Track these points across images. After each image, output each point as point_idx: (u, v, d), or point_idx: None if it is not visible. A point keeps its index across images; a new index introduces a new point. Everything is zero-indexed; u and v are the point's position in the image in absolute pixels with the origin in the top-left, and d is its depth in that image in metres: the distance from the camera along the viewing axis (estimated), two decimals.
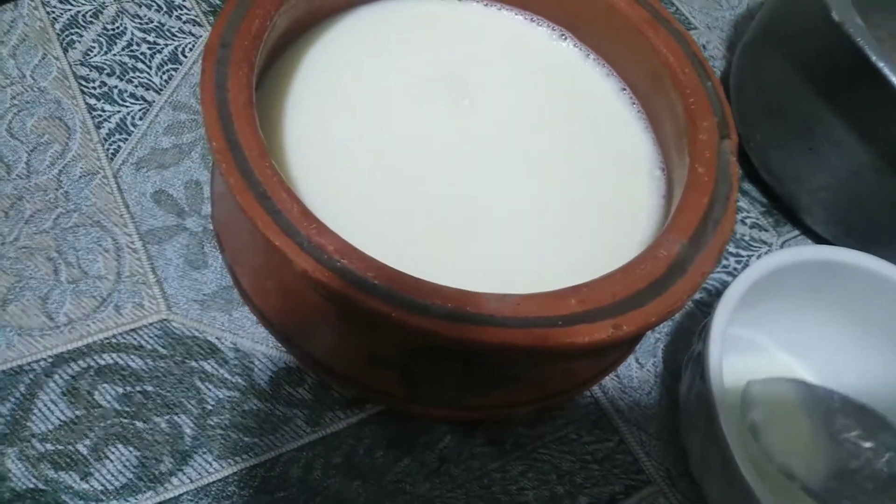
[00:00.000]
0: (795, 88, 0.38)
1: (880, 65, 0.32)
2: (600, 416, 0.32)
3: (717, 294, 0.37)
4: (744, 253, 0.40)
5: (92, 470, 0.28)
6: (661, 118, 0.31)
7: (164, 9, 0.42)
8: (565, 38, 0.35)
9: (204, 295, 0.32)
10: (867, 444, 0.28)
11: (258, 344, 0.31)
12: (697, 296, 0.37)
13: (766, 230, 0.41)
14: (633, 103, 0.33)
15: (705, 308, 0.37)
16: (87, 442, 0.28)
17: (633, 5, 0.31)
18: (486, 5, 0.35)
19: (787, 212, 0.41)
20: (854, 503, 0.26)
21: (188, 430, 0.29)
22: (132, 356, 0.30)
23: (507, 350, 0.21)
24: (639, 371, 0.34)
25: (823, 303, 0.32)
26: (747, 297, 0.29)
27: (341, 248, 0.21)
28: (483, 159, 0.30)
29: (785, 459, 0.28)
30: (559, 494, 0.30)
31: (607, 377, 0.33)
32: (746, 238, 0.40)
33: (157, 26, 0.41)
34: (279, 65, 0.30)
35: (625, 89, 0.34)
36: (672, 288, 0.23)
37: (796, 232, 0.41)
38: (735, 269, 0.39)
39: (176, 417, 0.29)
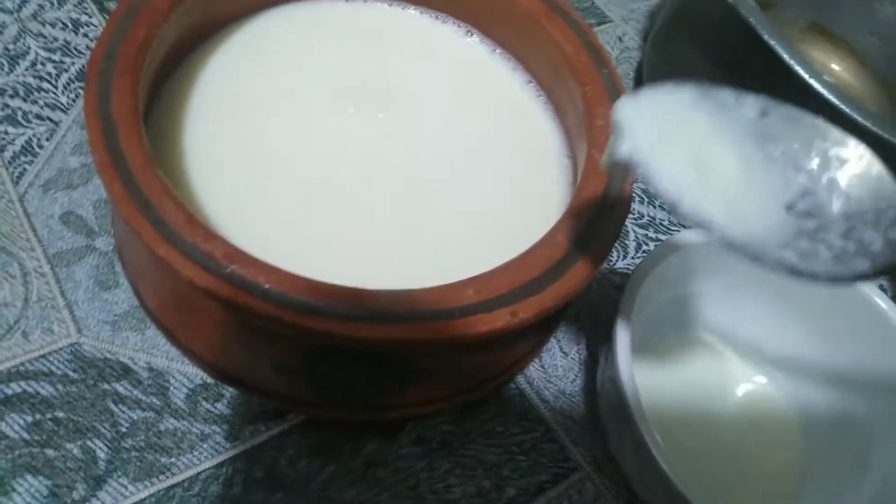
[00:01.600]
0: (702, 74, 0.39)
1: (772, 43, 0.33)
2: (526, 407, 0.33)
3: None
4: (663, 237, 0.41)
5: None
6: (564, 108, 0.32)
7: (70, 26, 0.41)
8: (471, 34, 0.35)
9: (115, 315, 0.31)
10: (799, 164, 0.20)
11: (173, 361, 0.30)
12: (618, 281, 0.38)
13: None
14: (540, 95, 0.33)
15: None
16: None
17: None
18: (391, 5, 0.35)
19: None
20: (796, 252, 0.19)
21: (102, 455, 0.28)
22: (41, 383, 0.29)
23: (404, 346, 0.21)
24: (563, 359, 0.34)
25: (739, 278, 0.32)
26: (660, 278, 0.29)
27: (230, 254, 0.21)
28: (392, 158, 0.30)
29: (689, 199, 0.19)
30: (486, 489, 0.30)
31: (531, 367, 0.34)
32: (665, 223, 0.41)
33: (62, 45, 0.40)
34: (179, 73, 0.30)
35: (531, 82, 0.34)
36: (569, 272, 0.23)
37: None
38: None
39: (89, 442, 0.28)
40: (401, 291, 0.22)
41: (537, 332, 0.29)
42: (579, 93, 0.29)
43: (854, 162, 0.20)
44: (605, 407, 0.29)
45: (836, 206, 0.20)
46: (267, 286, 0.21)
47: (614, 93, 0.29)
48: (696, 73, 0.39)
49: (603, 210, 0.25)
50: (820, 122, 0.21)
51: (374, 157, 0.30)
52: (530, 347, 0.29)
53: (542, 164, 0.32)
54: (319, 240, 0.26)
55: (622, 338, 0.26)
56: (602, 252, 0.24)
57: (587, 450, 0.32)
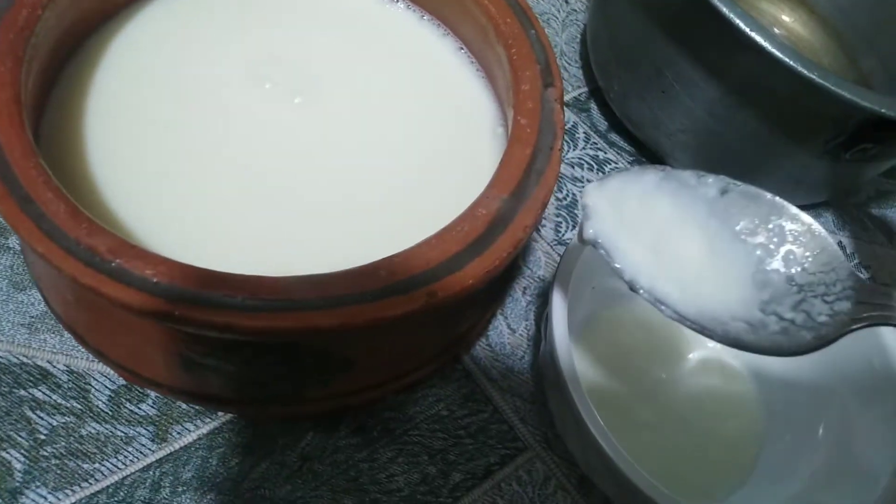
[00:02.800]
0: (643, 33, 0.37)
1: (715, 2, 0.31)
2: (472, 388, 0.31)
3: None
4: None
5: None
6: (494, 73, 0.30)
7: None
8: (397, 1, 0.33)
9: (31, 317, 0.29)
10: (757, 239, 0.21)
11: (93, 363, 0.29)
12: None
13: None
14: (472, 62, 0.32)
15: None
16: None
17: None
18: None
19: (653, 158, 0.41)
20: (750, 327, 0.20)
21: (18, 465, 0.27)
22: None
23: (312, 335, 0.20)
24: (510, 336, 0.33)
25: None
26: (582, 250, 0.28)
27: (115, 248, 0.19)
28: (315, 134, 0.29)
29: (645, 280, 0.21)
30: (431, 475, 0.29)
31: (478, 346, 0.32)
32: None
33: None
34: (78, 59, 0.28)
35: (462, 48, 0.32)
36: (492, 247, 0.22)
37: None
38: None
39: (4, 453, 0.27)
40: (305, 276, 0.20)
41: (472, 308, 0.28)
42: (506, 56, 0.28)
43: (807, 237, 0.21)
44: (547, 385, 0.28)
45: (790, 277, 0.21)
46: (155, 280, 0.19)
47: (542, 55, 0.27)
48: (638, 34, 0.37)
49: (528, 179, 0.24)
50: (777, 200, 0.22)
51: (295, 135, 0.28)
52: (467, 327, 0.28)
53: (476, 132, 0.30)
54: (236, 227, 0.25)
55: (558, 310, 0.25)
56: (529, 222, 0.23)
57: (537, 428, 0.31)
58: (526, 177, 0.24)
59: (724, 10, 0.31)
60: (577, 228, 0.23)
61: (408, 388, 0.30)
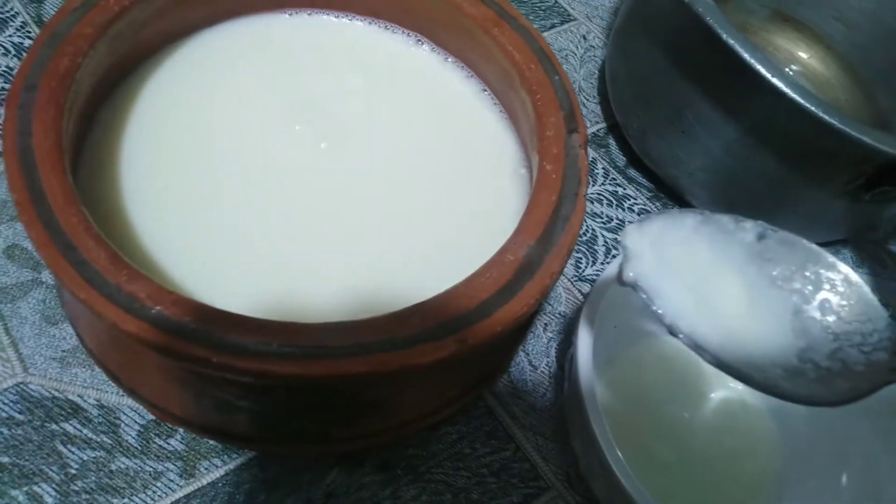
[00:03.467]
0: (662, 72, 0.38)
1: (731, 42, 0.32)
2: (495, 426, 0.32)
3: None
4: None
5: None
6: (518, 117, 0.31)
7: (13, 52, 0.39)
8: (422, 44, 0.34)
9: (63, 351, 0.30)
10: (793, 286, 0.22)
11: (123, 397, 0.29)
12: (588, 288, 0.37)
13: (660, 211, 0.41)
14: (495, 104, 0.32)
15: None
16: None
17: (478, 5, 0.30)
18: (337, 17, 0.34)
19: (672, 195, 0.41)
20: (787, 374, 0.20)
21: (50, 500, 0.27)
22: None
23: (345, 381, 0.20)
24: (532, 373, 0.33)
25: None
26: (611, 290, 0.28)
27: (154, 294, 0.20)
28: (343, 176, 0.29)
29: (686, 324, 0.21)
30: None
31: (500, 382, 0.33)
32: None
33: (4, 70, 0.39)
34: (113, 101, 0.29)
35: (485, 90, 0.33)
36: (520, 293, 0.22)
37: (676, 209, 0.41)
38: None
39: (35, 487, 0.27)
40: (340, 323, 0.21)
41: (497, 351, 0.28)
42: (530, 102, 0.28)
43: (844, 285, 0.21)
44: (570, 424, 0.28)
45: (826, 326, 0.21)
46: (194, 326, 0.20)
47: (566, 101, 0.28)
48: (657, 73, 0.38)
49: (555, 225, 0.24)
50: (813, 247, 0.22)
51: (324, 176, 0.29)
52: (492, 367, 0.28)
53: (499, 175, 0.31)
54: (268, 269, 0.25)
55: (584, 351, 0.25)
56: (555, 268, 0.23)
57: (559, 467, 0.31)
58: (552, 223, 0.24)
59: (743, 53, 0.32)
60: (617, 268, 0.23)
61: (432, 426, 0.30)
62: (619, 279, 0.22)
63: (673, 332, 0.21)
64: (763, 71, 0.31)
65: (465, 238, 0.28)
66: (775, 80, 0.30)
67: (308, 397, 0.23)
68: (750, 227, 0.22)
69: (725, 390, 0.33)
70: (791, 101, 0.30)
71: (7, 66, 0.39)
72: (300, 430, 0.24)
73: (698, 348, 0.21)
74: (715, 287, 0.22)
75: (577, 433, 0.27)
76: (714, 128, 0.36)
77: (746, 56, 0.31)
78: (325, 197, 0.28)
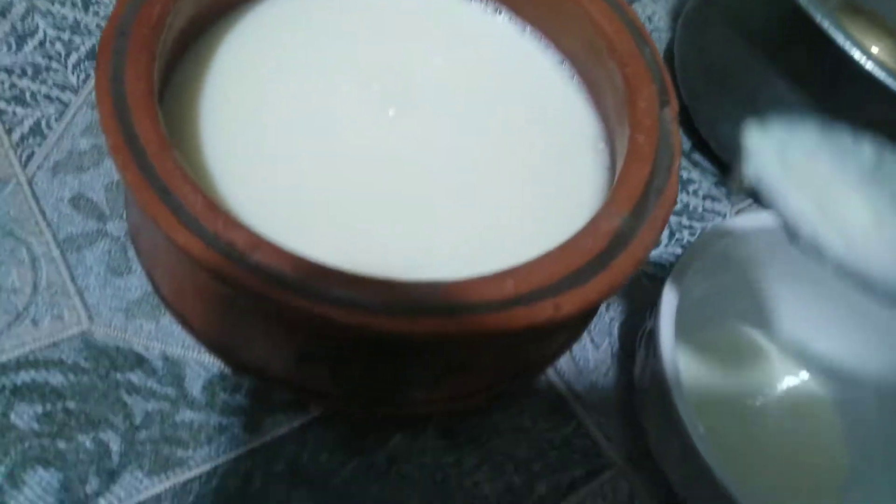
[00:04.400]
0: (738, 55, 0.37)
1: (825, 24, 0.31)
2: (556, 401, 0.31)
3: (671, 268, 0.36)
4: (697, 225, 0.39)
5: (8, 498, 0.26)
6: (601, 90, 0.30)
7: (79, 5, 0.39)
8: (500, 13, 0.33)
9: (128, 302, 0.30)
10: None
11: (189, 350, 0.29)
12: (650, 271, 0.36)
13: (719, 200, 0.40)
14: (573, 76, 0.32)
15: (659, 284, 0.36)
16: (2, 468, 0.26)
17: None
18: None
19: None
20: None
21: (115, 447, 0.27)
22: (52, 372, 0.28)
23: (439, 340, 0.20)
24: (594, 352, 0.33)
25: (783, 270, 0.31)
26: (702, 269, 0.28)
27: (253, 242, 0.20)
28: (419, 143, 0.29)
29: (808, 228, 0.20)
30: (516, 485, 0.29)
31: (562, 359, 0.32)
32: (699, 209, 0.39)
33: (72, 24, 0.38)
34: (194, 52, 0.28)
35: (563, 62, 0.32)
36: (613, 263, 0.22)
37: (749, 201, 0.41)
38: (689, 241, 0.38)
39: (101, 434, 0.27)
40: (436, 282, 0.20)
41: (577, 323, 0.28)
42: (620, 74, 0.27)
43: None
44: (644, 402, 0.28)
45: None
46: (293, 276, 0.19)
47: (658, 74, 0.27)
48: (734, 56, 0.37)
49: (648, 198, 0.24)
50: None
51: (400, 143, 0.28)
52: (567, 339, 0.27)
53: (577, 148, 0.30)
54: (341, 229, 0.25)
55: (666, 331, 0.25)
56: (649, 241, 0.23)
57: (621, 445, 0.31)
58: (645, 195, 0.24)
59: (838, 37, 0.31)
60: (732, 174, 0.23)
61: (498, 396, 0.30)
62: (734, 184, 0.21)
63: (793, 234, 0.20)
64: (858, 58, 0.30)
65: (544, 208, 0.28)
66: (874, 69, 0.29)
67: (393, 357, 0.22)
68: (868, 147, 0.22)
69: (793, 378, 0.32)
70: (886, 88, 0.29)
71: (75, 19, 0.38)
72: (378, 390, 0.24)
73: (820, 253, 0.20)
74: (837, 198, 0.21)
75: (653, 414, 0.27)
76: (793, 114, 0.35)
77: (841, 40, 0.30)
78: (402, 161, 0.28)
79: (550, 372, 0.32)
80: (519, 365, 0.26)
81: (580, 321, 0.28)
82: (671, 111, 0.26)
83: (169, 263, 0.24)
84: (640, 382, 0.29)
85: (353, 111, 0.28)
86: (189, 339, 0.29)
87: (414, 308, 0.20)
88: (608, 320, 0.34)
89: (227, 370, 0.29)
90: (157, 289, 0.25)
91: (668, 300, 0.26)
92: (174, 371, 0.29)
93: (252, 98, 0.28)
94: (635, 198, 0.23)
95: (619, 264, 0.22)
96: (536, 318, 0.20)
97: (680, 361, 0.25)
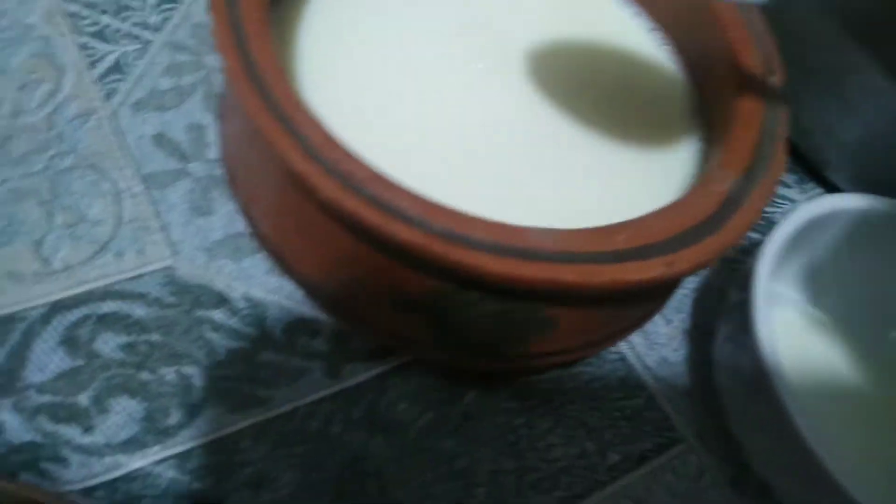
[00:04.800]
0: (826, 35, 0.36)
1: None
2: (628, 372, 0.31)
3: (743, 250, 0.36)
4: (767, 210, 0.38)
5: (94, 423, 0.26)
6: (696, 57, 0.30)
7: None
8: None
9: (211, 242, 0.30)
10: None
11: (270, 293, 0.29)
12: None
13: (790, 187, 0.40)
14: (665, 43, 0.31)
15: (733, 262, 0.35)
16: (88, 393, 0.26)
17: None
18: None
19: (809, 169, 0.40)
20: None
21: (198, 382, 0.27)
22: (136, 304, 0.28)
23: (553, 287, 0.20)
24: (666, 327, 0.33)
25: (865, 255, 0.30)
26: (785, 247, 0.27)
27: (371, 176, 0.20)
28: (505, 98, 0.29)
29: None
30: (589, 451, 0.29)
31: (634, 333, 0.32)
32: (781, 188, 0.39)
33: None
34: None
35: (655, 29, 0.32)
36: (726, 225, 0.22)
37: (820, 189, 0.40)
38: (759, 225, 0.38)
39: (184, 368, 0.27)
40: (551, 229, 0.20)
41: (665, 290, 0.27)
42: (722, 40, 0.27)
43: None
44: (727, 379, 0.28)
45: None
46: (411, 212, 0.19)
47: (762, 42, 0.27)
48: (817, 35, 0.36)
49: (757, 163, 0.23)
50: None
51: (495, 99, 0.28)
52: (653, 308, 0.27)
53: (667, 115, 0.30)
54: (441, 176, 0.25)
55: (761, 307, 0.25)
56: (759, 205, 0.22)
57: (691, 421, 0.30)
58: (755, 160, 0.23)
59: None
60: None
61: (571, 362, 0.29)
62: None
63: None
64: None
65: (633, 172, 0.27)
66: None
67: (492, 304, 0.22)
68: None
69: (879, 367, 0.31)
70: None
71: None
72: (475, 343, 0.24)
73: None
74: None
75: (737, 389, 0.27)
76: (884, 99, 0.34)
77: None
78: (497, 117, 0.28)
79: (622, 344, 0.32)
80: (605, 329, 0.26)
81: (666, 290, 0.28)
82: (777, 79, 0.26)
83: (274, 197, 0.24)
84: (721, 357, 0.28)
85: (451, 64, 0.28)
86: (270, 283, 0.29)
87: (527, 252, 0.20)
88: (680, 297, 0.34)
89: (307, 315, 0.29)
90: (253, 225, 0.25)
91: (763, 271, 0.25)
92: (256, 312, 0.29)
93: (350, 37, 0.27)
94: (745, 162, 0.23)
95: (731, 226, 0.22)
96: (649, 273, 0.20)
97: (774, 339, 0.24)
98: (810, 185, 0.40)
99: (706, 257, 0.21)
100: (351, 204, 0.19)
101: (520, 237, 0.20)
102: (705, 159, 0.27)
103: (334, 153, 0.20)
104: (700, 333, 0.32)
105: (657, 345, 0.32)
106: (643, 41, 0.32)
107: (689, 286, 0.34)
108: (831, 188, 0.40)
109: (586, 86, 0.30)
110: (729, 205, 0.22)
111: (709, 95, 0.29)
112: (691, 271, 0.21)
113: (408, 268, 0.21)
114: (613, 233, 0.21)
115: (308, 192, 0.20)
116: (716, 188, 0.22)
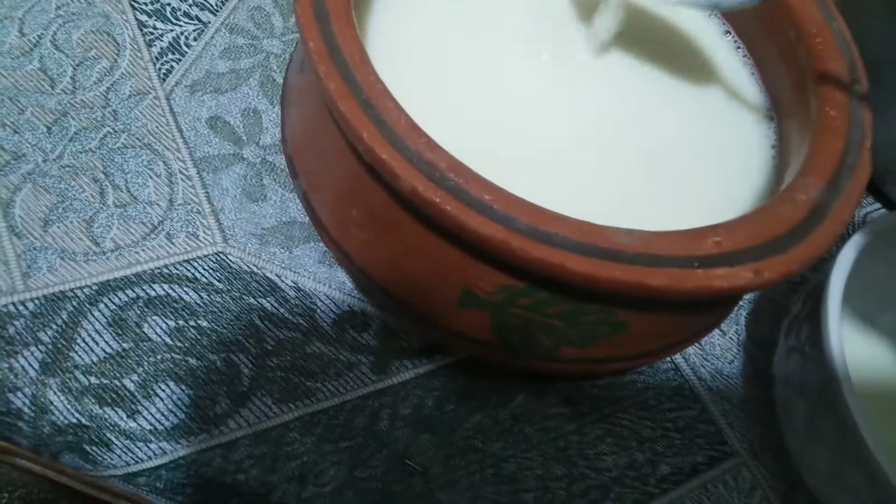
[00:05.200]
0: (892, 44, 0.35)
1: None
2: (681, 383, 0.30)
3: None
4: None
5: (140, 407, 0.26)
6: (771, 61, 0.29)
7: None
8: None
9: (263, 229, 0.30)
10: None
11: (320, 284, 0.29)
12: None
13: None
14: (738, 47, 0.30)
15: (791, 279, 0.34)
16: (135, 377, 0.26)
17: None
18: None
19: (869, 184, 0.39)
20: None
21: (246, 371, 0.27)
22: (185, 288, 0.28)
23: (637, 291, 0.19)
24: (721, 339, 0.32)
25: None
26: (857, 260, 0.27)
27: (455, 166, 0.19)
28: (591, 97, 0.28)
29: None
30: (640, 462, 0.28)
31: None
32: None
33: None
34: None
35: (728, 32, 0.31)
36: (813, 234, 0.21)
37: (878, 205, 0.39)
38: None
39: (233, 356, 0.27)
40: (636, 230, 0.19)
41: (734, 300, 0.27)
42: (805, 45, 0.26)
43: None
44: (788, 392, 0.27)
45: None
46: (495, 206, 0.19)
47: (846, 49, 0.26)
48: (889, 41, 0.35)
49: (842, 172, 0.22)
50: None
51: (572, 94, 0.28)
52: (717, 318, 0.26)
53: (740, 121, 0.29)
54: (510, 172, 0.24)
55: (834, 324, 0.24)
56: (845, 215, 0.21)
57: (744, 436, 0.29)
58: (840, 169, 0.22)
59: None
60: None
61: (624, 370, 0.29)
62: None
63: None
64: None
65: (705, 177, 0.27)
66: None
67: (565, 305, 0.21)
68: None
69: None
70: None
71: None
72: (535, 344, 0.23)
73: None
74: None
75: (798, 403, 0.26)
76: None
77: None
78: (570, 114, 0.27)
79: (676, 355, 0.31)
80: (671, 338, 0.25)
81: (734, 300, 0.27)
82: (861, 87, 0.25)
83: (340, 185, 0.23)
84: (783, 371, 0.27)
85: (524, 60, 0.27)
86: (321, 274, 0.29)
87: (612, 253, 0.19)
88: (736, 309, 0.33)
89: (356, 308, 0.28)
90: (312, 213, 0.25)
91: (836, 285, 0.25)
92: (306, 302, 0.28)
93: (424, 22, 0.27)
94: (830, 170, 0.22)
95: (818, 236, 0.21)
96: (737, 280, 0.19)
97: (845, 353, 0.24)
98: (868, 199, 0.39)
99: (793, 267, 0.20)
100: (433, 195, 0.18)
101: (605, 237, 0.19)
102: (779, 166, 0.26)
103: (418, 142, 0.19)
104: (755, 346, 0.32)
105: (711, 356, 0.31)
106: (716, 44, 0.31)
107: (745, 299, 0.33)
108: (887, 202, 0.39)
109: (659, 90, 0.29)
110: (815, 214, 0.21)
111: (783, 101, 0.28)
112: (778, 280, 0.20)
113: (482, 263, 0.21)
114: (701, 236, 0.20)
115: (388, 182, 0.19)
116: (802, 197, 0.21)
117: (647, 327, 0.23)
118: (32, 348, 0.26)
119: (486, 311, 0.22)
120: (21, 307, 0.26)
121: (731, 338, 0.32)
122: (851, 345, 0.29)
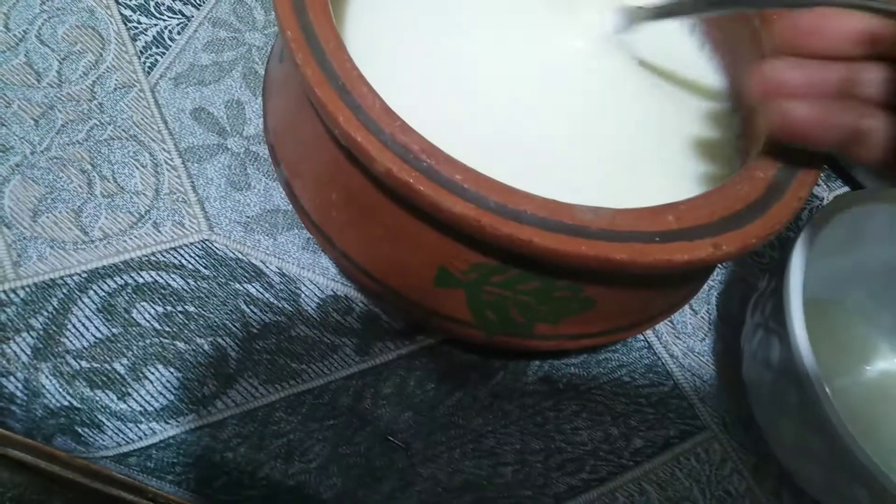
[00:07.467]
0: None
1: None
2: (654, 360, 0.31)
3: (772, 246, 0.36)
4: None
5: (130, 390, 0.26)
6: (737, 54, 0.30)
7: None
8: None
9: (247, 217, 0.30)
10: None
11: (304, 269, 0.30)
12: None
13: (817, 184, 0.40)
14: (704, 43, 0.32)
15: (760, 259, 0.36)
16: (125, 361, 0.27)
17: None
18: None
19: (836, 167, 0.40)
20: None
21: (232, 354, 0.27)
22: (172, 275, 0.29)
23: (601, 265, 0.20)
24: (692, 318, 0.33)
25: (888, 247, 0.30)
26: (826, 239, 0.28)
27: (427, 149, 0.20)
28: (557, 88, 0.29)
29: None
30: (614, 436, 0.29)
31: (661, 322, 0.32)
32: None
33: None
34: None
35: (694, 27, 0.32)
36: (770, 210, 0.22)
37: (846, 188, 0.40)
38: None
39: (219, 340, 0.28)
40: (600, 208, 0.20)
41: (702, 276, 0.28)
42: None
43: None
44: (755, 366, 0.28)
45: None
46: (465, 185, 0.20)
47: None
48: None
49: (800, 153, 0.23)
50: None
51: (537, 82, 0.28)
52: (686, 294, 0.27)
53: (704, 108, 0.30)
54: (486, 151, 0.25)
55: (796, 299, 0.25)
56: (802, 193, 0.22)
57: (715, 410, 0.31)
58: (798, 152, 0.23)
59: None
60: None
61: (597, 347, 0.30)
62: None
63: None
64: None
65: (668, 163, 0.28)
66: None
67: (535, 281, 0.22)
68: None
69: (886, 363, 0.32)
70: None
71: None
72: (509, 321, 0.24)
73: None
74: None
75: (766, 374, 0.27)
76: None
77: None
78: (538, 100, 0.28)
79: (649, 333, 0.32)
80: (640, 314, 0.26)
81: (704, 276, 0.28)
82: None
83: (320, 170, 0.24)
84: (749, 346, 0.29)
85: (484, 37, 0.28)
86: (304, 259, 0.30)
87: (577, 229, 0.20)
88: (707, 288, 0.34)
89: (339, 292, 0.29)
90: (294, 199, 0.26)
91: (798, 259, 0.26)
92: (290, 287, 0.29)
93: (399, 9, 0.28)
94: (788, 152, 0.23)
95: (775, 212, 0.22)
96: (696, 253, 0.20)
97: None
98: (837, 182, 0.40)
99: (752, 241, 0.21)
100: (407, 176, 0.19)
101: (571, 214, 0.20)
102: (744, 151, 0.27)
103: (392, 125, 0.20)
104: (725, 324, 0.33)
105: (683, 334, 0.32)
106: (685, 40, 0.32)
107: (715, 279, 0.35)
108: (856, 186, 0.40)
109: (629, 81, 0.30)
110: (772, 191, 0.22)
111: (735, 90, 0.29)
112: (737, 254, 0.21)
113: (456, 242, 0.22)
114: (662, 213, 0.21)
115: (364, 164, 0.20)
116: (759, 174, 0.22)
117: (615, 303, 0.24)
118: (24, 334, 0.26)
119: (462, 289, 0.23)
120: (12, 295, 0.27)
121: (702, 316, 0.33)
122: (814, 320, 0.30)
